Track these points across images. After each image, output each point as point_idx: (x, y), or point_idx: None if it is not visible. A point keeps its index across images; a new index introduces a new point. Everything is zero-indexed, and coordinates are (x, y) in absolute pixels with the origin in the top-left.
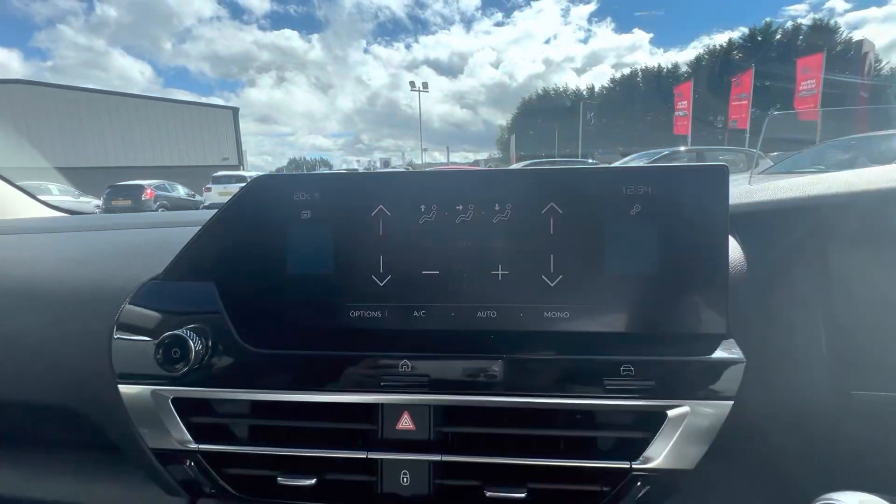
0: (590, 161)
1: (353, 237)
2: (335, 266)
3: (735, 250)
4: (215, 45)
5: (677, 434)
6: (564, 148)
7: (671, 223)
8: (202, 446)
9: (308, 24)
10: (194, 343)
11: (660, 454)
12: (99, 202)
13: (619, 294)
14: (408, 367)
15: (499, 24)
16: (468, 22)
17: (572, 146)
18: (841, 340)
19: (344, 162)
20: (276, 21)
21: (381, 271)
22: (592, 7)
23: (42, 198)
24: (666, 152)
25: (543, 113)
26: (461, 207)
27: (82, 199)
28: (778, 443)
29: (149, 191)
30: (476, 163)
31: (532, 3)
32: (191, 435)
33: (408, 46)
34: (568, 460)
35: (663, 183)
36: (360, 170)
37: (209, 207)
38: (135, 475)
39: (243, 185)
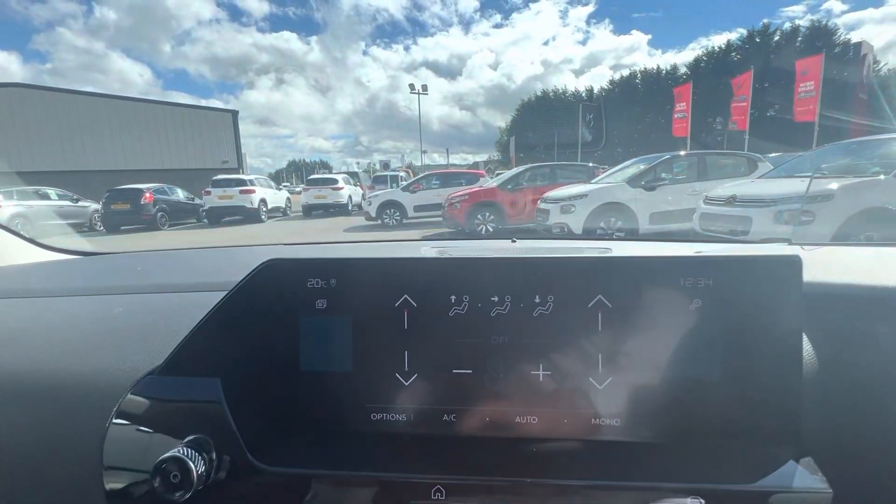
0: (590, 165)
1: (374, 330)
2: (354, 363)
3: (807, 349)
4: (214, 47)
5: None
6: (564, 149)
7: (735, 321)
8: None
9: (307, 26)
10: (196, 464)
11: None
12: (98, 206)
13: (677, 402)
14: (441, 495)
15: (497, 26)
16: (466, 24)
17: (572, 148)
18: None
19: (343, 164)
20: (275, 23)
21: (406, 369)
22: (591, 8)
23: (40, 203)
24: (667, 156)
25: (542, 114)
26: (497, 299)
27: (81, 203)
28: None
29: (148, 194)
30: (476, 164)
31: (530, 4)
32: None
33: (406, 48)
34: None
35: (727, 275)
36: (360, 172)
37: (208, 212)
38: None
39: (243, 187)
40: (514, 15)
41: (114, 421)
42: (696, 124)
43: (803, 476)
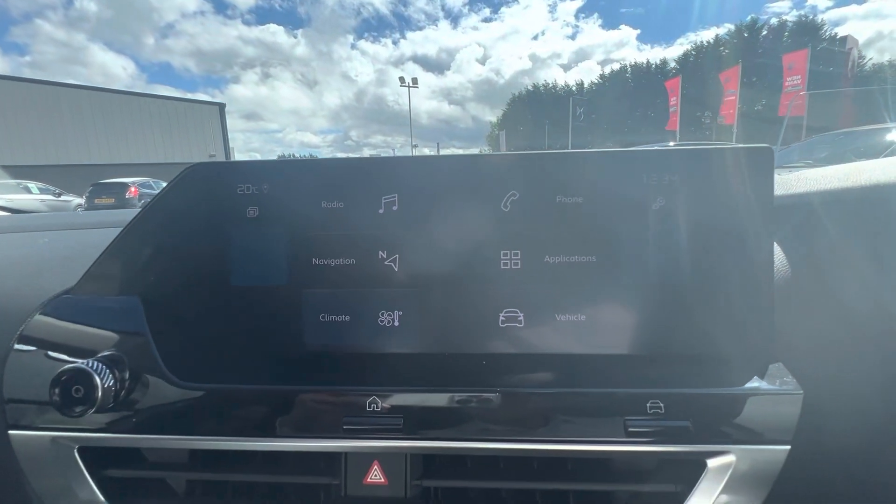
0: None
1: (311, 239)
2: (289, 275)
3: (776, 250)
4: (199, 40)
5: (720, 489)
6: (555, 143)
7: (703, 220)
8: None
9: (293, 19)
10: (103, 378)
11: None
12: (81, 201)
13: (641, 308)
14: (376, 405)
15: (486, 20)
16: (455, 18)
17: (562, 142)
18: None
19: None
20: (260, 16)
21: (346, 280)
22: (579, 3)
23: (21, 197)
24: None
25: (533, 109)
26: (444, 199)
27: (64, 197)
28: (847, 491)
29: (133, 188)
30: None
31: None
32: (103, 495)
33: (395, 42)
34: None
35: (692, 170)
36: None
37: None
38: None
39: None
40: (503, 9)
41: (15, 346)
42: (686, 118)
43: (773, 379)
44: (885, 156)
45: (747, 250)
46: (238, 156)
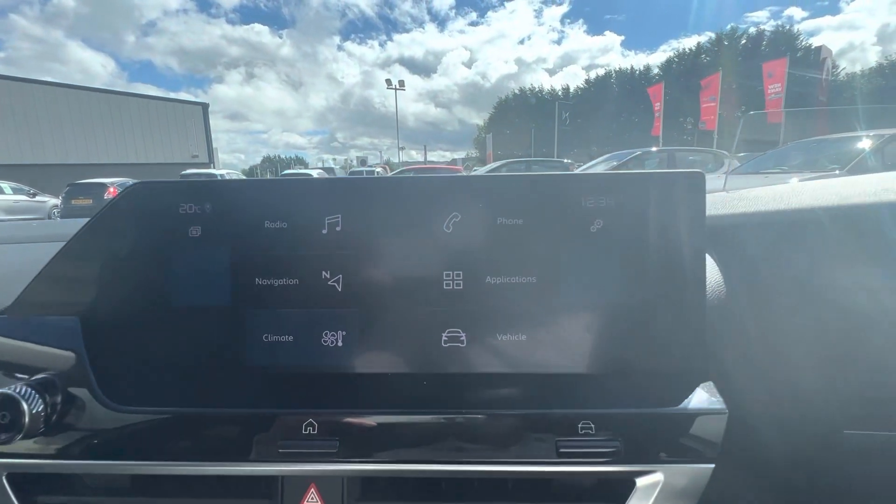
0: (565, 161)
1: (253, 260)
2: (232, 296)
3: (712, 270)
4: (182, 38)
5: None
6: (541, 147)
7: (638, 242)
8: None
9: (278, 19)
10: (31, 403)
11: None
12: (57, 202)
13: (579, 328)
14: (312, 428)
15: (473, 24)
16: (442, 21)
17: (548, 146)
18: (833, 371)
19: (320, 160)
20: (245, 15)
21: (288, 301)
22: (565, 9)
23: None
24: (637, 153)
25: (520, 112)
26: (386, 221)
27: (38, 198)
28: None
29: (111, 189)
30: (454, 161)
31: (505, 3)
32: None
33: (382, 44)
34: None
35: (629, 193)
36: (336, 168)
37: None
38: None
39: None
40: (490, 13)
41: None
42: (668, 123)
43: (701, 398)
44: (855, 163)
45: (680, 271)
46: (222, 156)
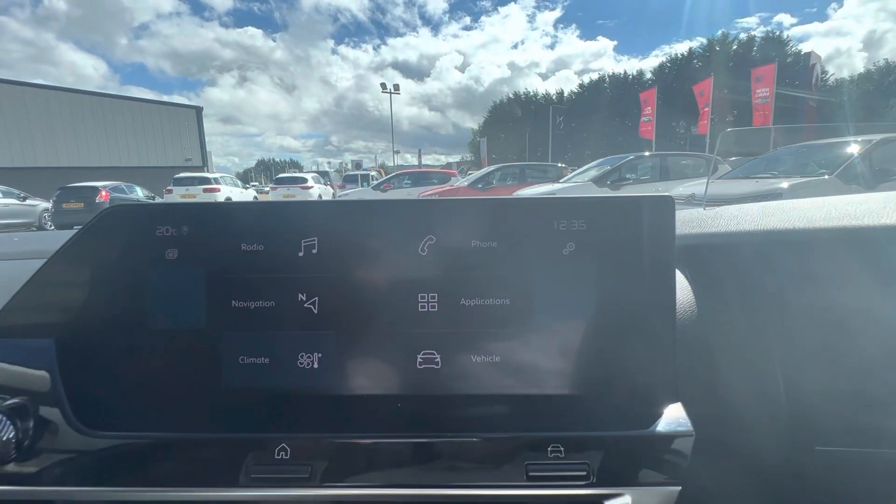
0: (559, 165)
1: (230, 282)
2: (208, 319)
3: (683, 289)
4: (175, 41)
5: None
6: (535, 150)
7: (609, 266)
8: None
9: (272, 23)
10: (2, 430)
11: None
12: (48, 205)
13: (548, 351)
14: (285, 453)
15: (467, 28)
16: (436, 25)
17: (543, 149)
18: (804, 389)
19: (314, 163)
20: (238, 18)
21: (264, 324)
22: (558, 13)
23: None
24: (631, 157)
25: (514, 116)
26: (363, 245)
27: (29, 201)
28: None
29: (104, 193)
30: (448, 165)
31: (499, 8)
32: None
33: (376, 48)
34: None
35: (600, 217)
36: (331, 172)
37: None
38: None
39: (206, 186)
40: (483, 18)
41: None
42: (661, 128)
43: (669, 420)
44: (844, 167)
45: (651, 294)
46: (216, 159)
